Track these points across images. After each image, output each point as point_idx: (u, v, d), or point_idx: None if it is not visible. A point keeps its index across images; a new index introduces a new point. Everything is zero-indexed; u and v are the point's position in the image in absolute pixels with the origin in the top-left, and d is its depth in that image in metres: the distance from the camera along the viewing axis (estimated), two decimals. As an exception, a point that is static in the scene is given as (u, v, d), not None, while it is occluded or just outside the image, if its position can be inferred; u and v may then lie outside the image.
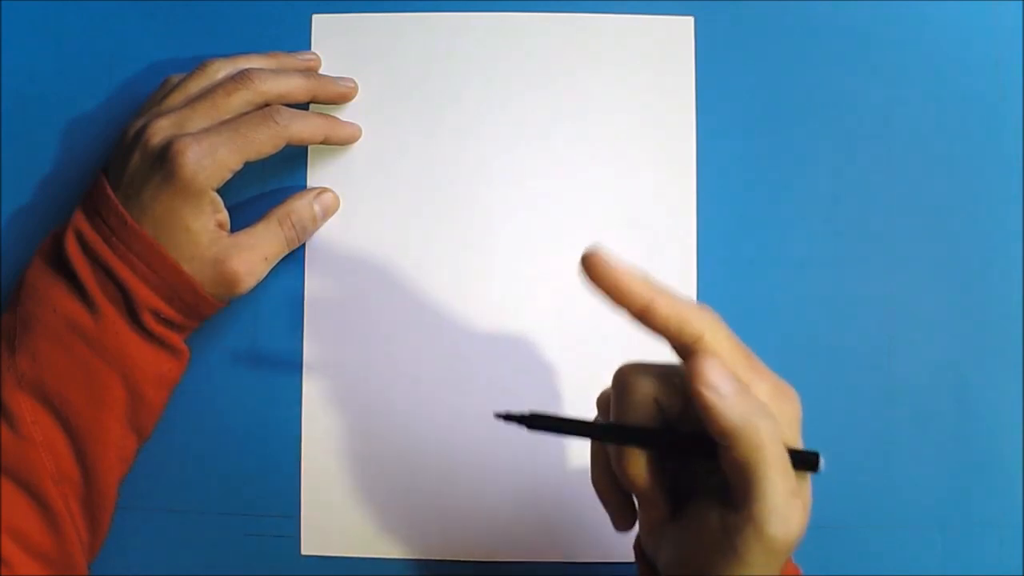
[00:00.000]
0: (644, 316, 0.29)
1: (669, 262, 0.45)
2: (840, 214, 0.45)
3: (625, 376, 0.31)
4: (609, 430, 0.31)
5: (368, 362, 0.44)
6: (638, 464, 0.31)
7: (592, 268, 0.29)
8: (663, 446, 0.30)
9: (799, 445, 0.30)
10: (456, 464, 0.44)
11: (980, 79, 0.46)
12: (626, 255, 0.44)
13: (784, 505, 0.27)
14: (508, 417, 0.32)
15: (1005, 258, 0.45)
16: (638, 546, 0.35)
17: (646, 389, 0.30)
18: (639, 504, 0.32)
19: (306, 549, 0.44)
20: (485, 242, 0.45)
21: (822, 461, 0.29)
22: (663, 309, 0.29)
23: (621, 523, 0.33)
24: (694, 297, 0.44)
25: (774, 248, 0.45)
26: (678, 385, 0.30)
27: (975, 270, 0.45)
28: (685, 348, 0.30)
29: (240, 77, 0.41)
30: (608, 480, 0.33)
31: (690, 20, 0.46)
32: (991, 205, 0.45)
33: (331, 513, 0.44)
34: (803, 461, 0.29)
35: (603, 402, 0.35)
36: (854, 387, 0.44)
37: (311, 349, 0.44)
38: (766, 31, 0.46)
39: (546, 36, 0.46)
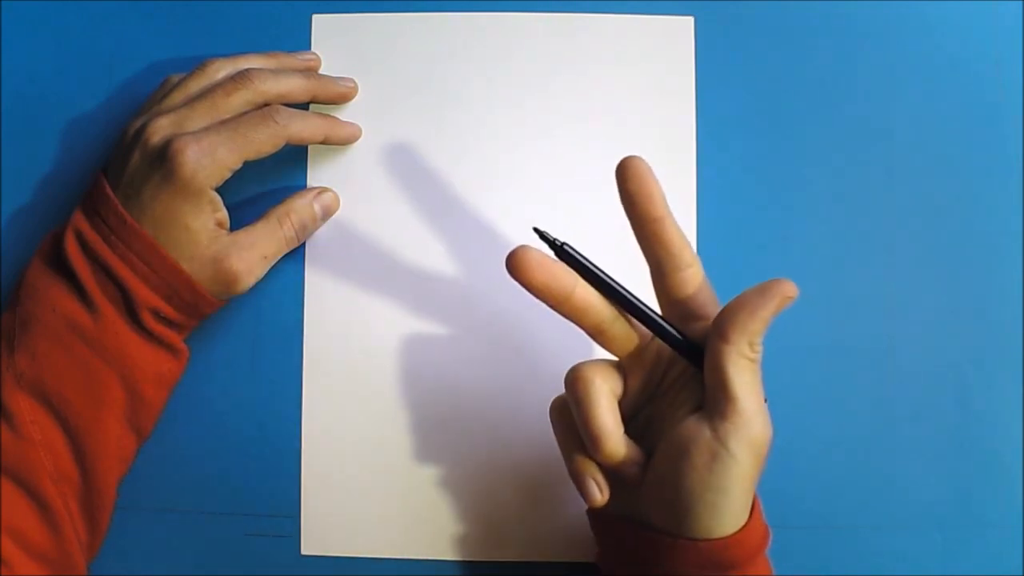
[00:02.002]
0: (657, 224, 0.34)
1: (669, 262, 0.44)
2: (840, 214, 0.45)
3: (583, 375, 0.35)
4: (621, 295, 0.35)
5: (368, 362, 0.44)
6: (609, 412, 0.34)
7: (634, 171, 0.34)
8: (664, 335, 0.35)
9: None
10: (456, 464, 0.44)
11: (980, 79, 0.46)
12: (626, 254, 0.44)
13: (761, 408, 0.33)
14: (542, 235, 0.35)
15: (1005, 258, 0.45)
16: (596, 520, 0.38)
17: (607, 385, 0.35)
18: (612, 463, 0.35)
19: (306, 549, 0.44)
20: (485, 242, 0.45)
21: None
22: (673, 226, 0.35)
23: (601, 491, 0.36)
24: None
25: (774, 248, 0.45)
26: (622, 376, 0.36)
27: (975, 270, 0.45)
28: (672, 268, 0.35)
29: (240, 77, 0.41)
30: (584, 454, 0.36)
31: (690, 20, 0.46)
32: (991, 205, 0.45)
33: (331, 513, 0.44)
34: None
35: (557, 408, 0.38)
36: (854, 387, 0.44)
37: (311, 349, 0.44)
38: (766, 31, 0.46)
39: (546, 36, 0.46)
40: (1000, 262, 0.45)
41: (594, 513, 0.38)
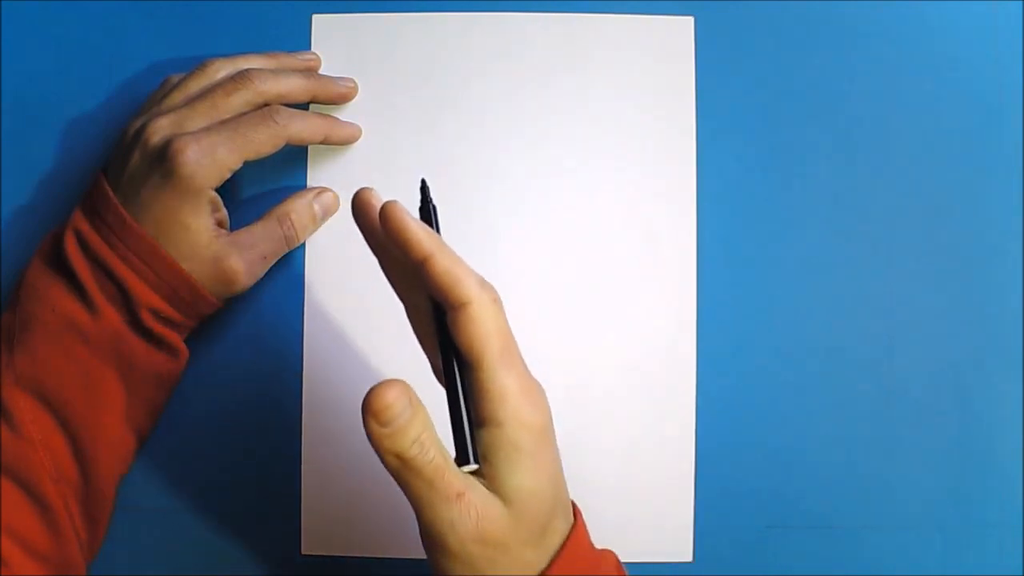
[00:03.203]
0: (422, 267, 0.30)
1: (669, 262, 0.45)
2: (840, 214, 0.45)
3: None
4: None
5: (368, 362, 0.44)
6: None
7: (388, 217, 0.30)
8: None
9: (545, 455, 0.31)
10: (456, 464, 0.44)
11: (980, 79, 0.46)
12: (626, 255, 0.45)
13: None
14: (425, 189, 0.34)
15: (1005, 258, 0.45)
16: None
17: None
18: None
19: (306, 549, 0.44)
20: (485, 242, 0.45)
21: (471, 464, 0.31)
22: (439, 265, 0.30)
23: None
24: (694, 297, 0.44)
25: (774, 248, 0.45)
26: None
27: (975, 270, 0.45)
28: (451, 309, 0.31)
29: (240, 77, 0.41)
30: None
31: (690, 20, 0.46)
32: (991, 205, 0.45)
33: (331, 513, 0.44)
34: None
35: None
36: (854, 387, 0.44)
37: (311, 349, 0.44)
38: (766, 31, 0.46)
39: (546, 36, 0.46)
40: (1000, 262, 0.45)
41: None
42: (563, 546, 0.32)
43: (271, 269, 0.42)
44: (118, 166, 0.40)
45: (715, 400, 0.44)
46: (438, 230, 0.33)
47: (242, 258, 0.40)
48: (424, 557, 0.44)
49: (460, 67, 0.46)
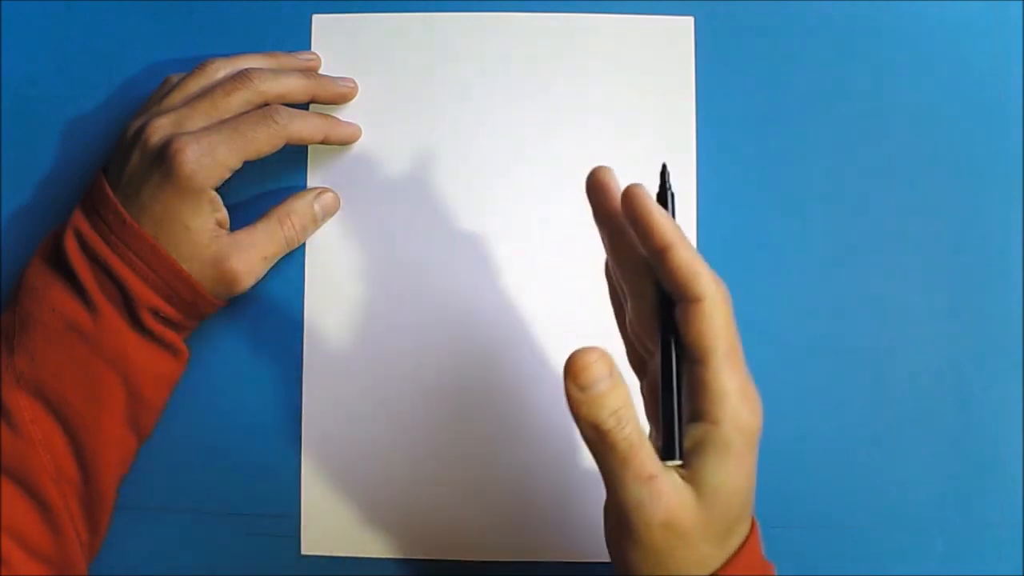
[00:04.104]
0: (660, 255, 0.31)
1: (669, 262, 0.44)
2: (840, 213, 0.45)
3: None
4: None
5: (368, 362, 0.44)
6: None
7: (632, 198, 0.31)
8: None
9: (749, 459, 0.31)
10: (456, 464, 0.44)
11: (980, 79, 0.46)
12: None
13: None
14: (665, 174, 0.34)
15: (1005, 258, 0.45)
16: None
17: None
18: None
19: (306, 549, 0.44)
20: (485, 242, 0.45)
21: (675, 460, 0.31)
22: (679, 257, 0.30)
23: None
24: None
25: (774, 248, 0.45)
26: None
27: (975, 270, 0.45)
28: (681, 300, 0.31)
29: (240, 77, 0.41)
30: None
31: (690, 20, 0.46)
32: (991, 205, 0.45)
33: (331, 513, 0.44)
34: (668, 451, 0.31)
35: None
36: (854, 387, 0.44)
37: (311, 349, 0.44)
38: (766, 31, 0.46)
39: (546, 36, 0.46)
40: (1000, 262, 0.45)
41: None
42: (740, 548, 0.31)
43: (271, 269, 0.42)
44: (118, 166, 0.40)
45: (715, 400, 0.44)
46: (675, 218, 0.33)
47: (242, 258, 0.40)
48: (423, 557, 0.44)
49: (460, 67, 0.46)
